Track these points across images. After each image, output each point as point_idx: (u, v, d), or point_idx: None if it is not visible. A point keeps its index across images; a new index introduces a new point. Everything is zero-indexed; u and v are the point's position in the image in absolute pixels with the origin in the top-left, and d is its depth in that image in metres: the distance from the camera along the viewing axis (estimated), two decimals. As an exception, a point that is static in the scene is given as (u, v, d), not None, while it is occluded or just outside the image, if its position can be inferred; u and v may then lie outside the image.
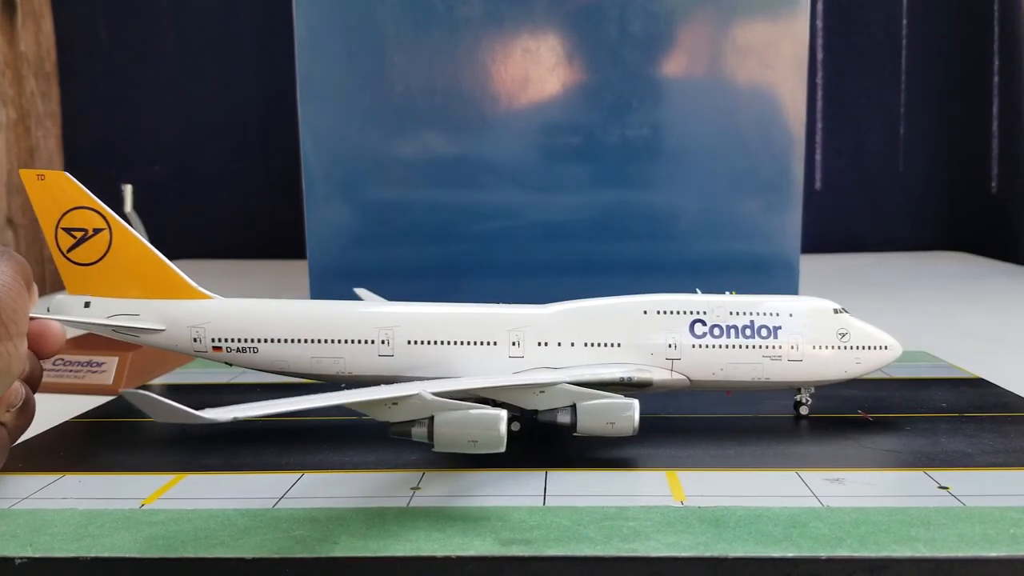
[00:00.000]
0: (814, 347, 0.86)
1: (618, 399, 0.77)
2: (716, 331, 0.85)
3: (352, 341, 0.86)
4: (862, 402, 0.95)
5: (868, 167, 2.39)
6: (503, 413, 0.70)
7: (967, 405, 0.95)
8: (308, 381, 0.93)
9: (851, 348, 0.86)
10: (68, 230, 0.87)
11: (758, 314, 0.86)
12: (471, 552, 0.59)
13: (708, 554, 0.59)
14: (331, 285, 1.43)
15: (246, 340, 0.87)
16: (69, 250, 0.88)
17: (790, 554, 0.59)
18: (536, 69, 1.43)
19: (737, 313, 0.86)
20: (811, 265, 1.67)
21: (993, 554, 0.59)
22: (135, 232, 0.88)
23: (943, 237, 2.40)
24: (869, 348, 0.87)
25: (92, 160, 2.27)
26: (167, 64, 2.32)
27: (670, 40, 1.43)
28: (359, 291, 1.14)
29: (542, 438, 0.82)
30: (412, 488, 0.71)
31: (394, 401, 0.70)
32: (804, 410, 0.91)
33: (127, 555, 0.60)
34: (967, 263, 2.21)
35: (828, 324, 0.87)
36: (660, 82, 1.44)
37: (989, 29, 2.22)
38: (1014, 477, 0.73)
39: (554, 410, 0.78)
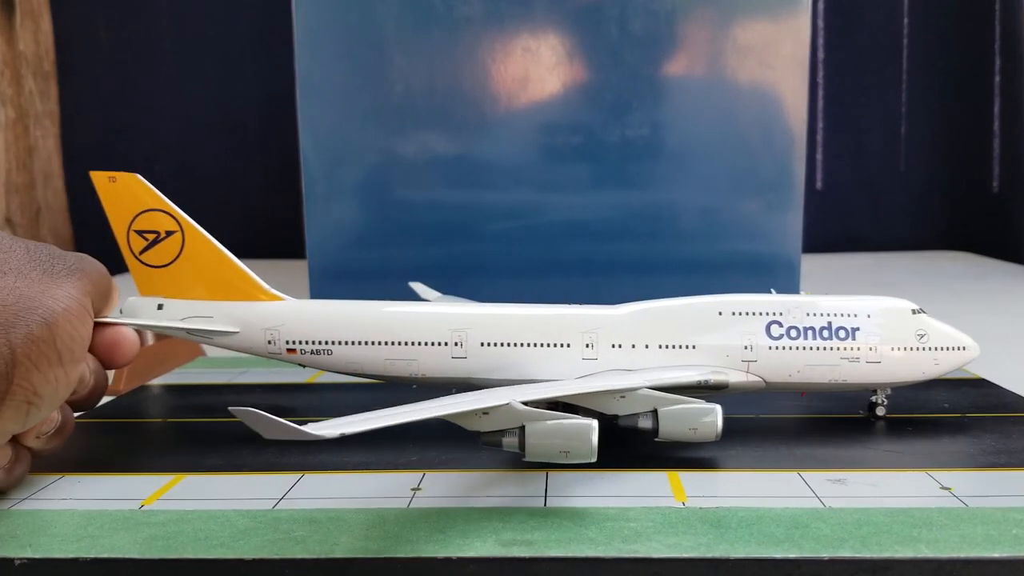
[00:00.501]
0: (892, 348, 0.85)
1: (700, 404, 0.76)
2: (793, 332, 0.85)
3: (426, 343, 0.86)
4: (864, 402, 0.95)
5: (869, 167, 2.39)
6: (594, 423, 0.69)
7: (969, 405, 0.95)
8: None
9: (929, 349, 0.86)
10: (140, 232, 0.87)
11: (836, 315, 0.85)
12: (472, 553, 0.59)
13: (710, 555, 0.59)
14: (331, 285, 1.43)
15: (320, 342, 0.87)
16: (141, 252, 0.88)
17: (792, 555, 0.59)
18: (536, 69, 1.43)
19: (814, 314, 0.85)
20: (812, 265, 1.67)
21: (995, 555, 0.58)
22: (207, 234, 0.88)
23: (944, 237, 2.40)
24: (947, 349, 0.86)
25: (91, 160, 2.26)
26: (166, 64, 2.32)
27: (671, 40, 1.43)
28: (414, 285, 1.14)
29: (615, 442, 0.81)
30: (412, 489, 0.71)
31: (485, 411, 0.69)
32: (881, 411, 0.90)
33: (127, 556, 0.60)
34: (968, 263, 2.21)
35: (906, 325, 0.86)
36: (661, 82, 1.44)
37: (990, 28, 2.22)
38: (1016, 478, 0.73)
39: (635, 415, 0.77)
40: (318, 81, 1.41)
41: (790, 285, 1.45)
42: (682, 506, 0.67)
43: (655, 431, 0.76)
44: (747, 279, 1.38)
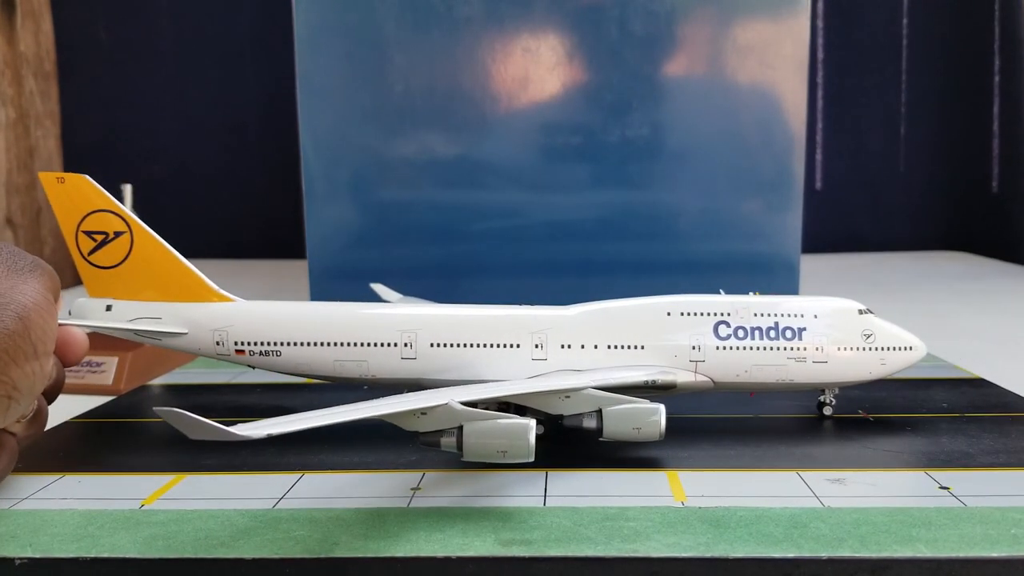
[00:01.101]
0: (839, 348, 0.85)
1: (644, 404, 0.76)
2: (740, 333, 0.85)
3: (375, 344, 0.86)
4: (863, 402, 0.95)
5: (868, 167, 2.39)
6: (531, 423, 0.69)
7: (968, 405, 0.95)
8: (326, 382, 0.93)
9: (876, 349, 0.86)
10: (89, 233, 0.87)
11: (782, 315, 0.86)
12: (471, 553, 0.59)
13: (709, 555, 0.59)
14: (331, 285, 1.43)
15: (269, 343, 0.87)
16: (90, 253, 0.88)
17: (791, 555, 0.59)
18: (536, 69, 1.43)
19: (761, 314, 0.86)
20: (811, 265, 1.67)
21: (994, 554, 0.58)
22: (156, 235, 0.88)
23: (943, 237, 2.40)
24: (894, 349, 0.87)
25: (91, 160, 2.26)
26: (167, 64, 2.32)
27: (670, 40, 1.43)
28: (376, 287, 1.14)
29: (554, 440, 0.82)
30: (412, 488, 0.71)
31: (423, 411, 0.69)
32: (828, 411, 0.90)
33: (127, 555, 0.60)
34: (968, 263, 2.21)
35: (853, 325, 0.86)
36: (660, 82, 1.44)
37: (990, 28, 2.22)
38: (1015, 477, 0.73)
39: (580, 415, 0.77)
40: (318, 81, 1.41)
41: (790, 285, 1.45)
42: (681, 506, 0.67)
43: (600, 431, 0.77)
44: (747, 279, 1.38)
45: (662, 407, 0.76)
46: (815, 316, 0.86)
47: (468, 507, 0.67)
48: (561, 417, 0.78)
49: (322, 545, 0.61)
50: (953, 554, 0.59)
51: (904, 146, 2.38)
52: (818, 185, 2.38)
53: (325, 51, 1.41)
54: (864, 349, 0.86)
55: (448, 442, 0.70)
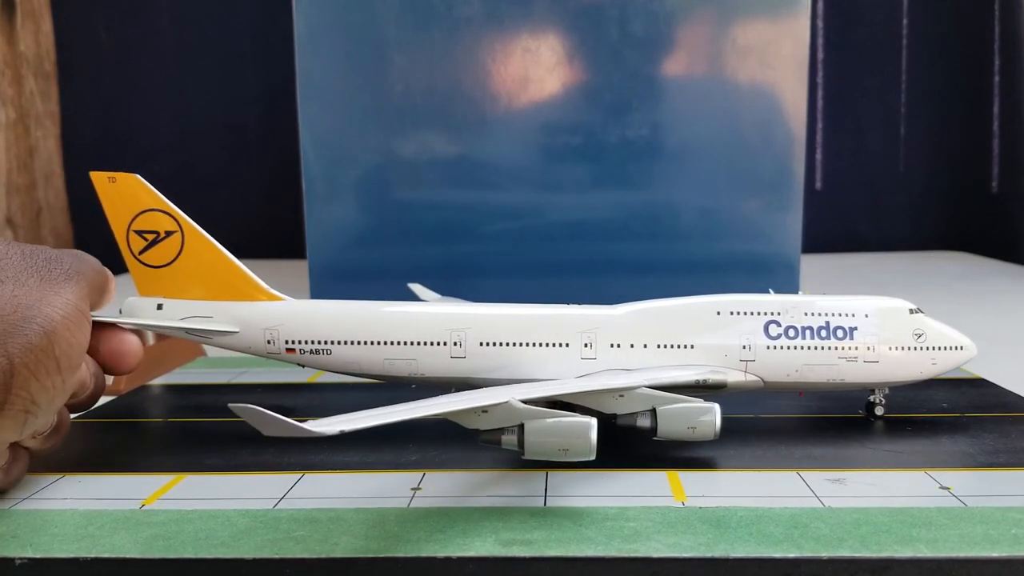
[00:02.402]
0: (890, 348, 0.85)
1: (698, 403, 0.76)
2: (791, 332, 0.85)
3: (425, 343, 0.86)
4: (863, 402, 0.95)
5: (868, 167, 2.39)
6: (593, 421, 0.69)
7: (968, 405, 0.95)
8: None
9: (927, 349, 0.86)
10: (140, 232, 0.87)
11: (833, 315, 0.85)
12: (472, 553, 0.59)
13: (709, 555, 0.59)
14: (331, 284, 1.44)
15: (320, 342, 0.87)
16: (141, 252, 0.88)
17: (791, 555, 0.59)
18: (536, 69, 1.43)
19: (812, 314, 0.85)
20: (811, 265, 1.67)
21: (995, 554, 0.58)
22: (207, 234, 0.88)
23: (943, 237, 2.40)
24: (945, 349, 0.86)
25: (91, 159, 2.26)
26: (167, 64, 2.32)
27: (670, 40, 1.43)
28: (414, 287, 1.14)
29: (614, 441, 0.81)
30: (412, 488, 0.71)
31: (484, 409, 0.69)
32: (879, 410, 0.90)
33: (127, 555, 0.60)
34: (967, 263, 2.21)
35: (904, 324, 0.86)
36: (660, 82, 1.44)
37: (989, 28, 2.22)
38: (1015, 477, 0.73)
39: (634, 414, 0.77)
40: (318, 81, 1.42)
41: (789, 285, 1.45)
42: (682, 506, 0.67)
43: (653, 430, 0.76)
44: (747, 279, 1.38)
45: (716, 406, 0.76)
46: (866, 316, 0.85)
47: (468, 507, 0.67)
48: (615, 416, 0.78)
49: (322, 545, 0.61)
50: (953, 554, 0.58)
51: (904, 146, 2.38)
52: (818, 185, 2.38)
53: (325, 51, 1.41)
54: (915, 349, 0.85)
55: (509, 440, 0.70)
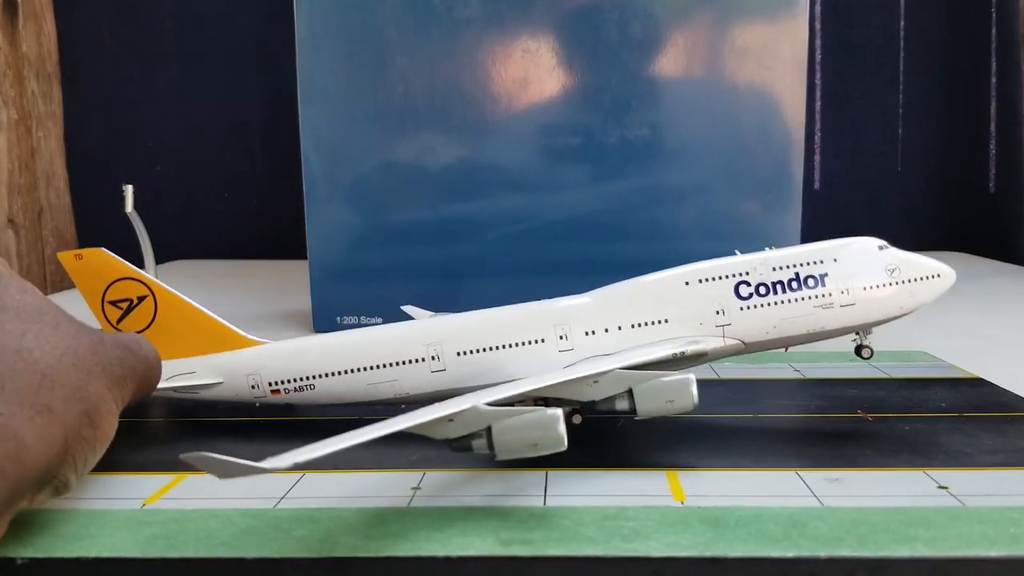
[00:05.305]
0: (865, 288, 0.84)
1: (673, 376, 0.75)
2: (762, 289, 0.84)
3: (403, 362, 0.86)
4: (862, 402, 0.95)
5: (867, 167, 2.39)
6: (558, 412, 0.69)
7: (966, 405, 0.95)
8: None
9: (903, 282, 0.85)
10: (114, 303, 0.89)
11: (802, 264, 0.84)
12: (471, 552, 0.60)
13: (708, 554, 0.59)
14: (332, 286, 1.44)
15: (302, 379, 0.87)
16: (118, 321, 0.89)
17: (790, 554, 0.59)
18: (536, 70, 1.43)
19: (781, 267, 0.85)
20: (810, 266, 1.66)
21: (993, 554, 0.59)
22: (178, 292, 0.89)
23: (942, 237, 2.40)
24: (921, 279, 0.85)
25: (93, 161, 2.27)
26: (169, 65, 2.32)
27: (669, 41, 1.43)
28: (407, 308, 1.14)
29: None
30: (412, 488, 0.72)
31: (450, 418, 0.69)
32: (867, 352, 0.87)
33: (128, 555, 0.60)
34: (966, 263, 2.21)
35: (875, 262, 0.85)
36: (659, 83, 1.45)
37: (987, 30, 2.23)
38: (1014, 477, 0.73)
39: (611, 398, 0.76)
40: (319, 83, 1.42)
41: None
42: (680, 505, 0.67)
43: (634, 411, 0.76)
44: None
45: (692, 376, 0.75)
46: (835, 260, 0.84)
47: (468, 507, 0.67)
48: (594, 403, 0.77)
49: (323, 545, 0.61)
50: (951, 553, 0.59)
51: (902, 147, 2.39)
52: (816, 186, 2.38)
53: (326, 53, 1.41)
54: (891, 284, 0.84)
55: (480, 444, 0.69)
